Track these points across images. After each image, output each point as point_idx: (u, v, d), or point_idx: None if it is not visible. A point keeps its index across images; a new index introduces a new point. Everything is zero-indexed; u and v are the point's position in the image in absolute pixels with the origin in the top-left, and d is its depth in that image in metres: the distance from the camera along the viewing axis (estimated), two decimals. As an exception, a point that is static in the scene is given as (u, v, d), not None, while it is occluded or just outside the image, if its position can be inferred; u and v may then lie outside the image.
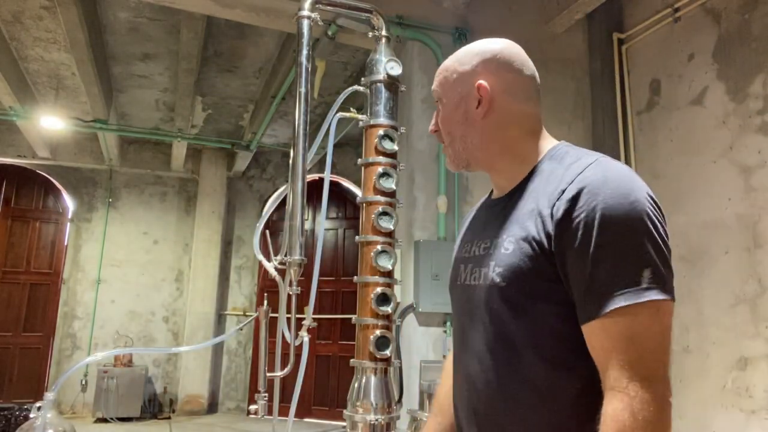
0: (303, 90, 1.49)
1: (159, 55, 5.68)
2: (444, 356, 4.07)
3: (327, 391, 7.68)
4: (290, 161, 1.47)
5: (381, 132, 1.53)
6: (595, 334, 0.90)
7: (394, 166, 1.53)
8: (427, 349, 4.08)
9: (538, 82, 1.17)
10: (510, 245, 1.03)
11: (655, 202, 0.95)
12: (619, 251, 0.89)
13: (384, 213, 1.49)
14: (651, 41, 4.32)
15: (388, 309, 1.44)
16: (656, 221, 0.93)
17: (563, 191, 0.97)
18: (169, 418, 7.45)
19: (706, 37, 3.93)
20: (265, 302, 1.55)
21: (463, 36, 4.56)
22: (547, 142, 1.14)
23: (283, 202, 1.56)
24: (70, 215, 8.08)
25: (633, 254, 0.89)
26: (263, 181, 8.74)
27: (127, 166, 8.11)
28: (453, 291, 1.22)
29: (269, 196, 8.61)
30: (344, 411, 1.43)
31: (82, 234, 8.04)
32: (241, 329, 8.01)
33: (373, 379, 1.41)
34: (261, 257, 1.50)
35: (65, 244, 8.03)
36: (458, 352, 1.15)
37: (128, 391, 7.04)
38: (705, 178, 3.74)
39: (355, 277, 1.49)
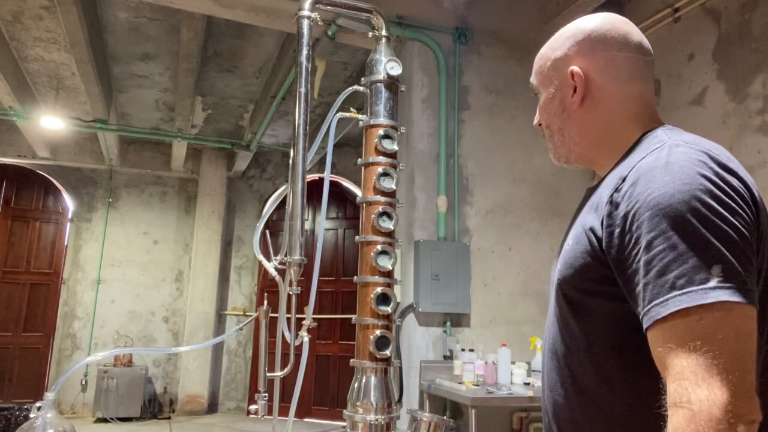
0: (303, 90, 1.49)
1: (159, 55, 5.68)
2: (444, 356, 4.07)
3: (327, 391, 7.68)
4: (290, 161, 1.46)
5: (381, 132, 1.53)
6: (654, 340, 0.78)
7: (394, 166, 1.53)
8: (427, 349, 4.08)
9: (647, 57, 1.04)
10: (571, 240, 0.97)
11: (733, 191, 0.80)
12: (677, 246, 0.76)
13: (384, 213, 1.49)
14: (651, 41, 4.31)
15: (388, 309, 1.44)
16: (728, 212, 0.78)
17: (623, 178, 0.87)
18: (169, 418, 7.45)
19: (706, 37, 3.93)
20: (265, 302, 1.55)
21: (463, 36, 4.56)
22: (648, 126, 1.00)
23: (283, 202, 1.56)
24: (70, 215, 8.08)
25: (695, 249, 0.75)
26: (263, 181, 8.74)
27: (127, 166, 8.11)
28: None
29: (269, 196, 8.60)
30: (344, 411, 1.43)
31: (82, 234, 8.04)
32: (241, 329, 7.99)
33: (373, 379, 1.41)
34: (261, 257, 1.50)
35: (65, 244, 8.03)
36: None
37: (128, 391, 7.04)
38: (705, 178, 3.73)
39: (355, 277, 1.49)
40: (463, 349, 3.89)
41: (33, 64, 5.85)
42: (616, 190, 0.87)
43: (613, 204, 0.86)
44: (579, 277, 0.92)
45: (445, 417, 1.65)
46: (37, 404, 1.31)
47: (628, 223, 0.83)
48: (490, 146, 4.52)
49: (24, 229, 7.89)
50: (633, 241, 0.81)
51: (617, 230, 0.84)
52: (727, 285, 0.74)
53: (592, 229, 0.90)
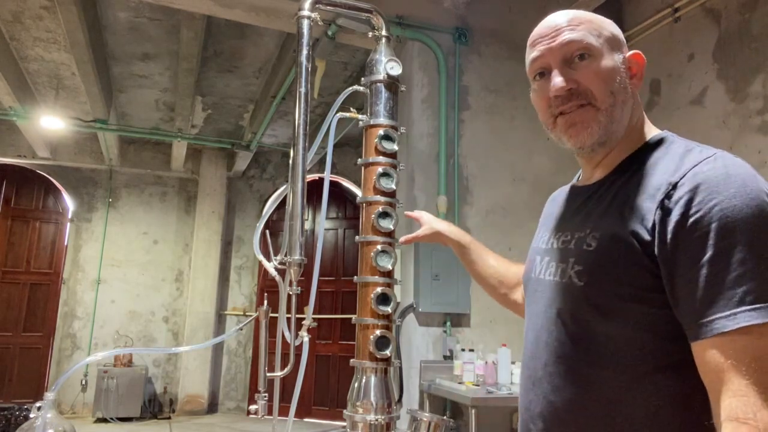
0: (303, 90, 1.49)
1: (159, 55, 5.68)
2: (444, 356, 4.07)
3: (327, 391, 7.68)
4: (290, 161, 1.46)
5: (381, 132, 1.52)
6: (711, 353, 0.77)
7: (394, 166, 1.53)
8: (427, 349, 4.08)
9: None
10: (594, 242, 0.93)
11: None
12: (745, 260, 0.76)
13: (384, 213, 1.49)
14: (651, 41, 4.32)
15: (388, 309, 1.44)
16: None
17: (674, 185, 0.85)
18: (169, 418, 7.45)
19: (706, 37, 3.94)
20: (265, 302, 1.54)
21: (463, 36, 4.56)
22: (651, 128, 1.03)
23: (283, 202, 1.56)
24: (70, 215, 8.09)
25: (764, 265, 0.76)
26: (263, 181, 8.74)
27: (127, 166, 8.11)
28: (527, 284, 1.13)
29: (269, 196, 8.61)
30: (344, 411, 1.43)
31: (82, 234, 8.04)
32: (241, 329, 7.98)
33: (373, 379, 1.41)
34: (261, 257, 1.50)
35: (65, 244, 8.03)
36: (529, 352, 1.05)
37: (128, 391, 7.04)
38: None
39: (355, 277, 1.49)
40: (463, 349, 3.89)
41: (33, 64, 5.85)
42: (667, 196, 0.85)
43: (665, 210, 0.84)
44: (616, 282, 0.89)
45: (445, 417, 1.65)
46: (37, 404, 1.31)
47: (685, 231, 0.81)
48: (490, 146, 4.52)
49: (24, 229, 7.89)
50: (694, 250, 0.80)
51: (670, 237, 0.83)
52: None
53: (634, 234, 0.87)
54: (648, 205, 0.87)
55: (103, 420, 6.92)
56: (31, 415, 1.30)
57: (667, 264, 0.83)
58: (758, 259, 0.76)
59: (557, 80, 0.97)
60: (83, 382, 7.48)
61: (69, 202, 8.11)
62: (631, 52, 1.02)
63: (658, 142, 0.97)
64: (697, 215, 0.80)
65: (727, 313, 0.75)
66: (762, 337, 0.73)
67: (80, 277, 7.94)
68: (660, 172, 0.89)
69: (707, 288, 0.78)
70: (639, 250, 0.86)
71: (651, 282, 0.85)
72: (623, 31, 5.06)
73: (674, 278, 0.82)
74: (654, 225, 0.85)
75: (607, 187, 0.98)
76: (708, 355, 0.77)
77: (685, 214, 0.82)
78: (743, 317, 0.74)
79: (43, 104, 6.61)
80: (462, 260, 1.54)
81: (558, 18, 1.01)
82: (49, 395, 1.32)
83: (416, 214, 1.64)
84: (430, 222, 1.58)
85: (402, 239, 1.58)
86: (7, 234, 7.78)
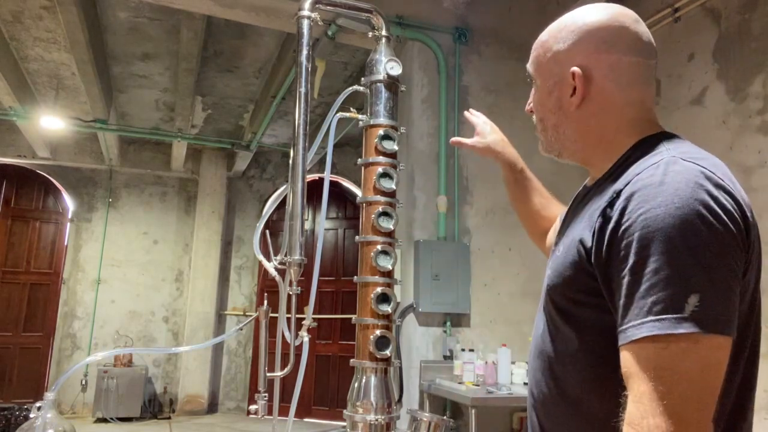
0: (303, 90, 1.49)
1: (159, 55, 5.69)
2: (444, 356, 4.07)
3: (327, 391, 7.68)
4: (290, 161, 1.46)
5: (381, 132, 1.52)
6: (624, 360, 0.79)
7: (394, 166, 1.53)
8: (427, 349, 4.08)
9: (652, 60, 0.99)
10: (562, 247, 0.97)
11: (726, 215, 0.79)
12: (660, 271, 0.76)
13: (384, 213, 1.49)
14: (651, 41, 4.33)
15: (388, 309, 1.44)
16: (717, 238, 0.77)
17: (618, 193, 0.86)
18: (169, 418, 7.46)
19: (706, 37, 3.94)
20: (265, 302, 1.55)
21: (463, 36, 4.56)
22: (646, 132, 0.97)
23: (283, 202, 1.56)
24: (70, 215, 8.09)
25: (677, 276, 0.75)
26: (263, 181, 8.74)
27: (127, 166, 8.11)
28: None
29: (269, 196, 8.61)
30: (344, 411, 1.43)
31: (82, 234, 8.05)
32: (241, 329, 7.97)
33: (373, 379, 1.41)
34: (261, 257, 1.50)
35: (65, 244, 8.03)
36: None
37: (128, 391, 7.05)
38: (705, 178, 3.73)
39: (355, 277, 1.49)
40: (463, 349, 3.89)
41: (33, 64, 5.85)
42: (609, 204, 0.86)
43: (606, 218, 0.86)
44: (567, 287, 0.93)
45: (445, 417, 1.65)
46: (37, 404, 1.31)
47: (617, 239, 0.82)
48: (490, 146, 4.52)
49: (24, 229, 7.89)
50: (620, 258, 0.81)
51: (605, 245, 0.84)
52: (701, 316, 0.74)
53: (581, 241, 0.90)
54: (596, 213, 0.89)
55: (103, 420, 6.92)
56: (31, 415, 1.30)
57: (602, 272, 0.85)
58: (671, 270, 0.76)
59: (528, 103, 1.13)
60: (83, 382, 7.48)
61: (69, 202, 8.11)
62: (572, 68, 0.99)
63: (639, 148, 0.95)
64: (626, 224, 0.81)
65: (637, 322, 0.77)
66: (668, 346, 0.74)
67: (80, 277, 7.94)
68: (620, 180, 0.90)
69: (626, 297, 0.79)
70: (584, 258, 0.88)
71: (596, 288, 0.87)
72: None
73: (608, 285, 0.84)
74: (595, 233, 0.87)
75: (590, 195, 1.00)
76: (623, 361, 0.79)
77: (618, 223, 0.83)
78: (647, 327, 0.75)
79: (43, 104, 6.61)
80: (505, 185, 1.48)
81: (540, 36, 1.08)
82: (49, 395, 1.32)
83: (474, 118, 1.51)
84: (484, 132, 1.47)
85: (453, 140, 1.52)
86: (7, 234, 7.78)
